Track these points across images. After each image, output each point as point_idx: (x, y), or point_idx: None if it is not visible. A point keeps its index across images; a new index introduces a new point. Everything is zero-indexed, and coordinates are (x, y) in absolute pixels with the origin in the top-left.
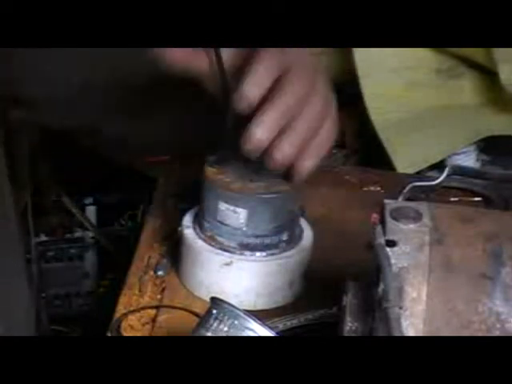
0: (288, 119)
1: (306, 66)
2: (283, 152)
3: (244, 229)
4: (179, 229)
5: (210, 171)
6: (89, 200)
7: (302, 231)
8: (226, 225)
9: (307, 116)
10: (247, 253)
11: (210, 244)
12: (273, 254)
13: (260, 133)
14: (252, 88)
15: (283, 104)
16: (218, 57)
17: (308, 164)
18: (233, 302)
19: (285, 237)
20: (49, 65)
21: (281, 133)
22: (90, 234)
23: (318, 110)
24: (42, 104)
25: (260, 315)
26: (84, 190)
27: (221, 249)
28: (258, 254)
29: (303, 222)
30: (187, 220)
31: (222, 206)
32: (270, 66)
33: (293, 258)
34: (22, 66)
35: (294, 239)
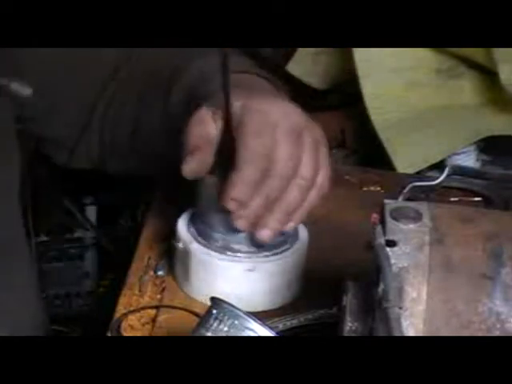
0: (271, 200)
1: (292, 118)
2: (270, 228)
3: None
4: (179, 244)
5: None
6: (89, 200)
7: (297, 232)
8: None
9: (293, 189)
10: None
11: (224, 253)
12: (269, 255)
13: (240, 225)
14: (240, 189)
15: (265, 192)
16: (225, 58)
17: (293, 223)
18: (233, 302)
19: (280, 238)
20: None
21: (266, 211)
22: (90, 234)
23: (307, 176)
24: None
25: (260, 315)
26: (84, 190)
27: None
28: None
29: None
30: (183, 230)
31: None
32: (254, 160)
33: (290, 259)
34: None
35: (289, 240)
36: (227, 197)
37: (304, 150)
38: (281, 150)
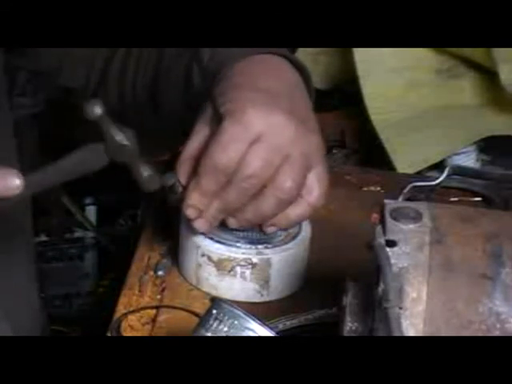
0: (236, 207)
1: (279, 131)
2: (239, 224)
3: None
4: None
5: None
6: (89, 200)
7: (300, 224)
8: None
9: (269, 200)
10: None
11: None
12: (271, 247)
13: (198, 226)
14: (196, 198)
15: (223, 201)
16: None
17: (274, 228)
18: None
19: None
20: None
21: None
22: (90, 234)
23: (284, 188)
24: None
25: (260, 315)
26: (84, 190)
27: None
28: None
29: None
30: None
31: None
32: (214, 172)
33: (293, 250)
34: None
35: (293, 232)
36: (185, 204)
37: (286, 165)
38: (250, 165)
